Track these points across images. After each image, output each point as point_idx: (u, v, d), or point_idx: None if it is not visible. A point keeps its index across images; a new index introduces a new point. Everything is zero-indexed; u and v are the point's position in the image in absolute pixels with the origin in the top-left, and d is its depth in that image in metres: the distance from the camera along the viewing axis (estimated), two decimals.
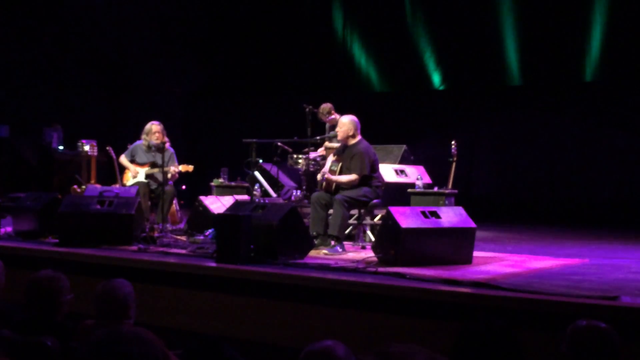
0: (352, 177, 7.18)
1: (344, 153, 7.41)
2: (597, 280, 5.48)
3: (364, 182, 7.22)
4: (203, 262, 6.21)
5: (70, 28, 13.97)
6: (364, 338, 5.08)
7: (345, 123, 7.39)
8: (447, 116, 13.05)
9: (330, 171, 7.43)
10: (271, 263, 6.03)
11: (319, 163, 8.51)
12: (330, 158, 7.74)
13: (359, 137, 7.40)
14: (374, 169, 7.38)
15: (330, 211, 7.24)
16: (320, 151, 8.88)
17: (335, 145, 8.50)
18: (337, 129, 7.52)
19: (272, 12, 14.91)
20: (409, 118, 13.27)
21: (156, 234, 7.69)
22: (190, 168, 8.57)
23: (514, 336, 2.72)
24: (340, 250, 6.88)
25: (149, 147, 8.73)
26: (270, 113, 14.39)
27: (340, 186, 7.28)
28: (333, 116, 9.05)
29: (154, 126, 8.70)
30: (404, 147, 9.38)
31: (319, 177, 7.49)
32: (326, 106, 9.12)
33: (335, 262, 6.20)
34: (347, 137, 7.37)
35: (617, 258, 7.06)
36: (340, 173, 7.35)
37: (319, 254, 6.79)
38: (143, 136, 8.79)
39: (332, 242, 6.98)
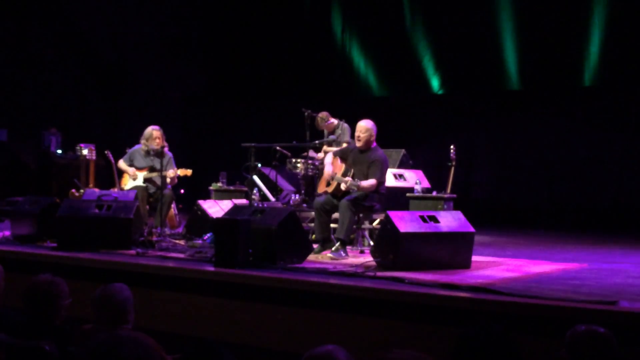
0: (373, 182, 7.07)
1: (358, 157, 7.28)
2: (595, 285, 5.48)
3: (376, 190, 7.17)
4: (201, 267, 6.20)
5: (69, 32, 13.98)
6: (362, 343, 5.07)
7: (370, 129, 7.24)
8: (445, 120, 13.06)
9: (343, 175, 7.27)
10: (270, 267, 6.03)
11: (318, 167, 8.50)
12: (330, 157, 7.57)
13: (374, 143, 7.33)
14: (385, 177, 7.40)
15: (334, 215, 7.21)
16: (319, 155, 8.87)
17: (334, 149, 8.49)
18: (359, 134, 7.25)
19: (271, 16, 14.92)
20: (408, 122, 13.27)
21: (155, 238, 7.69)
22: (188, 172, 8.55)
23: (513, 341, 2.72)
24: (343, 254, 6.87)
25: (148, 152, 8.71)
26: (269, 117, 14.40)
27: (346, 191, 7.19)
28: (330, 121, 9.06)
29: (154, 131, 8.65)
30: (403, 151, 9.38)
31: (343, 187, 7.12)
32: (323, 114, 9.12)
33: (333, 266, 6.20)
34: (369, 142, 7.24)
35: (615, 263, 7.06)
36: (353, 178, 7.27)
37: (324, 257, 6.79)
38: (142, 141, 8.75)
39: (337, 245, 6.93)
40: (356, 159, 7.30)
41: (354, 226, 7.72)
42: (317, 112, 9.13)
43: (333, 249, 6.91)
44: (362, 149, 7.27)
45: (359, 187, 7.00)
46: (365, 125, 7.29)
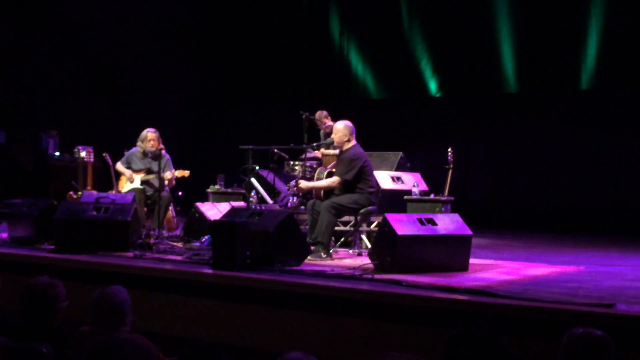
0: (331, 180, 7.20)
1: (338, 158, 7.43)
2: (593, 288, 5.48)
3: (350, 189, 7.18)
4: (199, 269, 6.20)
5: (67, 34, 13.97)
6: (360, 345, 5.08)
7: (340, 129, 7.36)
8: (443, 123, 13.07)
9: (317, 179, 7.44)
10: (267, 270, 6.02)
11: (315, 170, 8.51)
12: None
13: (353, 142, 7.35)
14: (363, 176, 7.24)
15: None
16: (317, 153, 8.87)
17: (332, 152, 8.52)
18: (333, 135, 7.51)
19: (269, 19, 14.92)
20: (406, 125, 13.29)
21: (152, 241, 7.69)
22: (186, 173, 8.56)
23: (505, 343, 2.73)
24: (323, 255, 6.89)
25: (145, 154, 8.72)
26: (266, 120, 14.40)
27: (330, 192, 7.29)
28: (329, 123, 9.07)
29: (149, 133, 8.70)
30: (401, 154, 9.38)
31: (292, 183, 7.50)
32: (321, 113, 9.15)
33: (331, 269, 6.19)
34: (343, 143, 7.35)
35: (613, 265, 7.07)
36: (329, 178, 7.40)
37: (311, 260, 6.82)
38: (138, 143, 8.79)
39: (316, 247, 6.97)
40: (337, 159, 7.45)
41: (349, 227, 7.76)
42: (314, 114, 9.13)
43: (312, 250, 6.93)
44: (339, 148, 7.39)
45: (301, 189, 7.36)
46: (336, 126, 7.47)
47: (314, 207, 7.27)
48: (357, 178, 7.19)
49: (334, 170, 7.54)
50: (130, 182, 8.73)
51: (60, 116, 13.41)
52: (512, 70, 12.55)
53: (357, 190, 7.20)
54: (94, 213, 7.33)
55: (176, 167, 8.71)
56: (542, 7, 12.22)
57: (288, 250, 6.33)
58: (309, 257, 6.81)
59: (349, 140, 7.33)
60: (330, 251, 7.08)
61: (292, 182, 7.35)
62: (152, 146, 8.61)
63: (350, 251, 7.60)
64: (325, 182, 7.25)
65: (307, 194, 8.23)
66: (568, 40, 11.98)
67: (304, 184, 7.34)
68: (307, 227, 7.77)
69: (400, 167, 9.22)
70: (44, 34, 13.67)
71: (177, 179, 8.66)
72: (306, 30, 14.73)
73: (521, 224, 11.64)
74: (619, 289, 5.49)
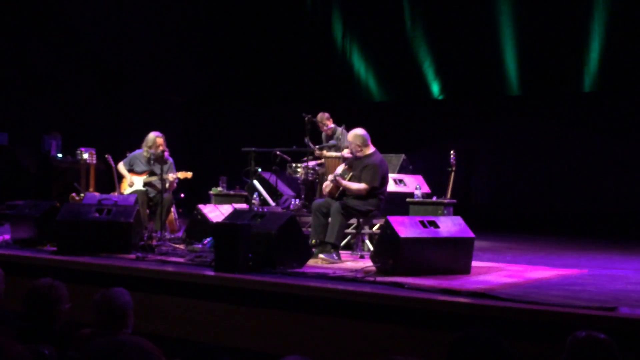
0: (361, 186, 7.12)
1: (356, 163, 7.33)
2: (595, 291, 5.48)
3: (372, 195, 7.19)
4: (201, 271, 6.20)
5: (70, 36, 14.00)
6: (362, 348, 5.07)
7: (351, 140, 7.34)
8: (446, 126, 13.07)
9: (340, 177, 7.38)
10: (269, 272, 6.03)
11: (318, 172, 8.51)
12: (342, 165, 7.69)
13: (372, 149, 7.32)
14: (384, 182, 7.33)
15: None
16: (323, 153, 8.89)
17: (334, 154, 8.51)
18: (349, 142, 7.45)
19: (271, 21, 14.95)
20: (408, 128, 13.28)
21: (154, 242, 7.69)
22: (189, 175, 8.56)
23: (506, 347, 2.74)
24: (336, 257, 6.89)
25: (149, 158, 8.70)
26: (269, 122, 14.41)
27: (344, 193, 7.24)
28: (330, 125, 9.07)
29: (158, 139, 8.64)
30: (403, 156, 9.39)
31: (330, 177, 7.34)
32: (322, 115, 9.15)
33: (333, 271, 6.19)
34: (357, 151, 7.31)
35: (615, 269, 7.06)
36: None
37: (317, 262, 6.79)
38: (145, 147, 8.74)
39: (328, 247, 6.96)
40: (354, 165, 7.36)
41: (351, 230, 7.75)
42: (316, 117, 9.14)
43: (325, 250, 6.93)
44: (356, 156, 7.33)
45: (344, 186, 7.06)
46: (347, 137, 7.48)
47: (320, 207, 7.22)
48: (380, 184, 7.24)
49: (345, 166, 7.50)
50: (130, 186, 8.73)
51: (63, 118, 13.42)
52: (515, 73, 12.54)
53: (374, 196, 7.20)
54: (97, 215, 7.34)
55: (178, 169, 8.71)
56: (545, 9, 12.22)
57: (290, 252, 6.33)
58: (321, 257, 6.82)
59: (362, 149, 7.28)
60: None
61: (339, 170, 7.26)
62: (161, 151, 8.59)
63: (353, 253, 7.59)
64: (355, 187, 7.15)
65: (311, 193, 8.25)
66: (571, 42, 11.98)
67: (342, 181, 7.24)
68: (309, 229, 7.78)
69: (402, 170, 9.22)
70: (46, 35, 13.68)
71: (180, 181, 8.65)
72: (309, 32, 14.74)
73: (524, 226, 11.62)
74: (621, 292, 5.49)
